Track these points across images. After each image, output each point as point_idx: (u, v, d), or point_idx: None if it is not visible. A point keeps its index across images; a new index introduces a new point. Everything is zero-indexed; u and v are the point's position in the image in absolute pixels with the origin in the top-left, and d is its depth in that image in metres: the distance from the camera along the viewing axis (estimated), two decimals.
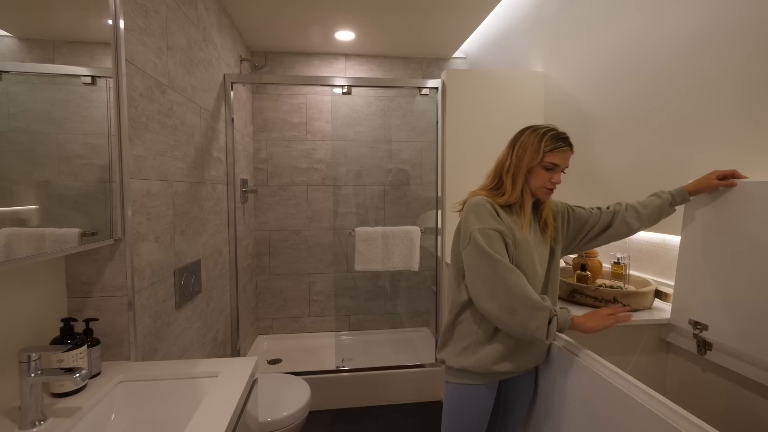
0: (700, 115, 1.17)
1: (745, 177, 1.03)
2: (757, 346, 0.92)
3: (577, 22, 1.70)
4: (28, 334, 0.89)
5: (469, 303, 1.04)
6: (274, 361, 2.52)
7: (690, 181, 1.13)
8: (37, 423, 0.76)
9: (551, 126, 1.07)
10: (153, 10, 1.25)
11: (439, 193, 2.13)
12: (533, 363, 1.08)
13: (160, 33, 1.30)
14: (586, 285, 1.25)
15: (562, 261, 1.62)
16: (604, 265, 1.43)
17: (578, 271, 1.33)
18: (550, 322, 0.91)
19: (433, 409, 2.18)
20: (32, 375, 0.75)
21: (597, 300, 1.22)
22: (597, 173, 1.62)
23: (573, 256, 1.48)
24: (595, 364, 0.89)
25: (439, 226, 2.14)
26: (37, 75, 0.80)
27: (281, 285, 2.83)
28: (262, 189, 2.76)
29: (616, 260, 1.35)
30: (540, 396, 1.13)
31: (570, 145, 1.05)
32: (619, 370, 0.83)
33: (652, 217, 1.14)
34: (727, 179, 1.05)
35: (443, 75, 2.05)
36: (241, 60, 2.42)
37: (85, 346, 0.92)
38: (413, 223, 2.85)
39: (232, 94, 2.08)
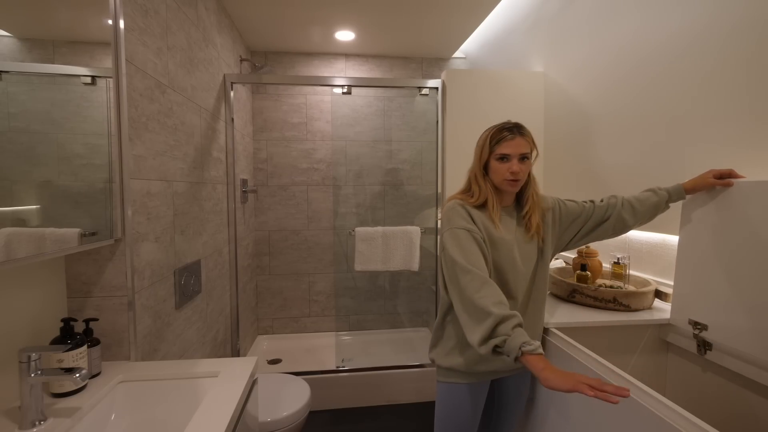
0: (701, 115, 1.17)
1: (742, 176, 1.02)
2: (758, 345, 0.92)
3: (577, 22, 1.70)
4: (28, 334, 0.89)
5: (451, 309, 1.06)
6: (274, 361, 2.52)
7: (687, 180, 1.12)
8: (37, 423, 0.76)
9: (505, 122, 1.09)
10: (153, 10, 1.25)
11: (439, 193, 2.13)
12: (518, 363, 0.96)
13: (160, 33, 1.30)
14: (586, 285, 1.25)
15: (562, 261, 1.62)
16: (604, 265, 1.43)
17: (578, 271, 1.33)
18: (494, 339, 0.83)
19: (433, 409, 2.18)
20: (32, 375, 0.75)
21: (597, 300, 1.22)
22: (597, 173, 1.62)
23: (573, 256, 1.48)
24: (595, 364, 0.89)
25: (439, 226, 2.14)
26: (37, 75, 0.80)
27: (281, 285, 2.83)
28: (262, 189, 2.76)
29: (616, 260, 1.35)
30: (539, 396, 1.13)
31: (518, 133, 1.04)
32: (619, 370, 0.83)
33: (647, 215, 1.12)
34: (724, 178, 1.04)
35: (443, 75, 2.05)
36: (241, 60, 2.42)
37: (85, 346, 0.92)
38: (413, 223, 2.86)
39: (232, 94, 2.08)
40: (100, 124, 0.97)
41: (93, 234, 0.94)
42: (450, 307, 1.07)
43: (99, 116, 0.97)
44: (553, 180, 1.98)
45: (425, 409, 2.18)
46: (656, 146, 1.33)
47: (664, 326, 1.18)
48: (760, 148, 1.01)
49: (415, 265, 2.41)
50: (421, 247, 2.52)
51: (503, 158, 1.03)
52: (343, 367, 2.24)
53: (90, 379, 0.95)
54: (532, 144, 1.07)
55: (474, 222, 1.02)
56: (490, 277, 0.97)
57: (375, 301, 2.89)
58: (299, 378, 1.81)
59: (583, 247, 1.42)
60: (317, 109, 2.79)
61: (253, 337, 2.72)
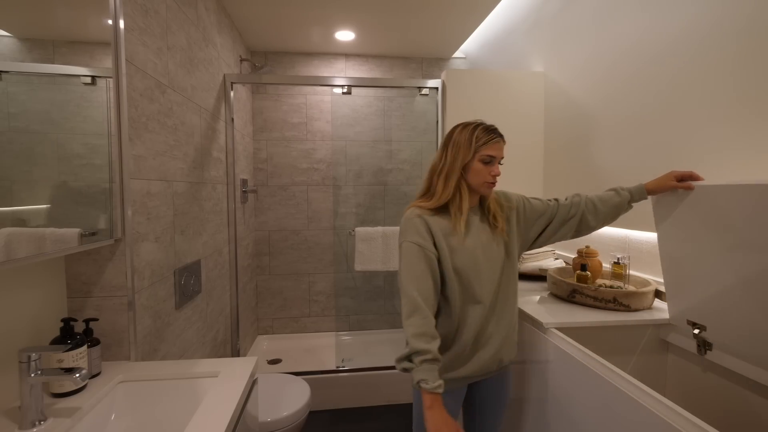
0: (702, 115, 1.17)
1: (701, 179, 1.01)
2: (757, 345, 0.92)
3: (577, 22, 1.70)
4: (28, 334, 0.89)
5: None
6: (274, 361, 2.52)
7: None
8: (37, 423, 0.76)
9: (480, 120, 1.04)
10: (153, 10, 1.25)
11: None
12: (492, 367, 1.04)
13: (160, 33, 1.30)
14: (586, 285, 1.25)
15: (562, 261, 1.62)
16: (604, 265, 1.43)
17: (578, 271, 1.33)
18: (405, 363, 0.92)
19: None
20: (32, 375, 0.75)
21: (597, 300, 1.22)
22: (597, 173, 1.62)
23: (573, 256, 1.48)
24: (595, 364, 0.89)
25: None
26: (37, 75, 0.80)
27: (281, 285, 2.83)
28: (262, 189, 2.76)
29: (616, 260, 1.35)
30: (538, 396, 1.13)
31: (501, 136, 1.02)
32: (618, 370, 0.83)
33: (609, 215, 1.12)
34: (684, 181, 1.03)
35: (443, 75, 2.05)
36: (241, 60, 2.42)
37: (85, 346, 0.92)
38: None
39: (232, 94, 2.08)
40: (100, 124, 0.97)
41: (93, 234, 0.94)
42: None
43: (99, 116, 0.97)
44: (553, 180, 1.98)
45: None
46: (656, 146, 1.33)
47: (664, 326, 1.18)
48: (764, 147, 1.01)
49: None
50: None
51: (488, 161, 1.00)
52: (343, 367, 2.24)
53: (90, 379, 0.95)
54: None
55: (432, 233, 1.00)
56: (451, 283, 0.99)
57: (375, 301, 2.89)
58: (299, 378, 1.81)
59: (583, 247, 1.42)
60: (317, 109, 2.79)
61: (253, 337, 2.72)
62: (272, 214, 2.78)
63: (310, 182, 2.81)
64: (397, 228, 2.38)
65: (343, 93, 2.68)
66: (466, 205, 1.01)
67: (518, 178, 2.06)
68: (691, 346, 1.09)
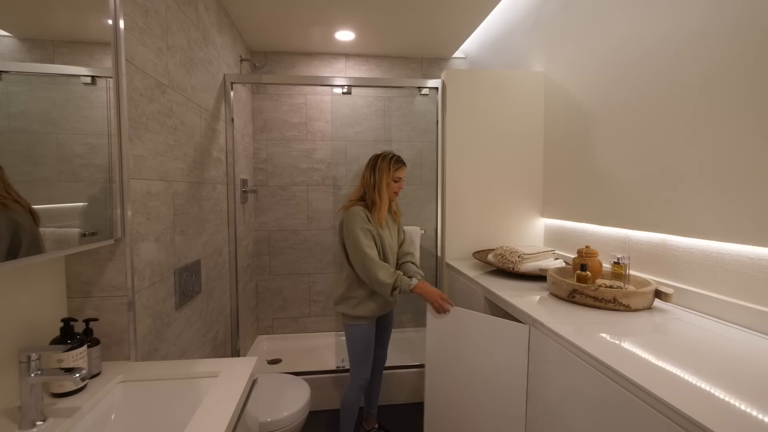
0: (702, 115, 1.17)
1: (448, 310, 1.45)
2: None
3: (577, 22, 1.70)
4: (28, 334, 0.89)
5: (352, 275, 1.63)
6: (274, 361, 2.52)
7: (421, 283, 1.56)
8: (37, 423, 0.76)
9: (392, 152, 1.67)
10: (153, 10, 1.25)
11: (439, 193, 2.13)
12: (388, 309, 1.77)
13: (160, 33, 1.30)
14: (586, 285, 1.25)
15: (562, 261, 1.63)
16: (604, 265, 1.43)
17: (578, 271, 1.33)
18: (394, 289, 1.52)
19: None
20: (32, 375, 0.75)
21: (597, 300, 1.22)
22: (597, 173, 1.62)
23: (573, 256, 1.48)
24: (594, 363, 0.89)
25: (440, 226, 2.14)
26: (37, 75, 0.80)
27: (281, 285, 2.83)
28: (262, 189, 2.76)
29: (616, 260, 1.35)
30: (537, 397, 1.13)
31: (405, 164, 1.68)
32: (618, 368, 0.83)
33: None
34: (438, 311, 1.48)
35: (443, 75, 2.05)
36: (241, 60, 2.42)
37: (85, 346, 0.92)
38: (413, 223, 2.85)
39: (232, 94, 2.08)
40: (100, 124, 0.97)
41: (93, 234, 0.94)
42: (353, 276, 1.63)
43: (99, 116, 0.97)
44: (552, 180, 1.98)
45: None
46: (657, 146, 1.33)
47: None
48: (761, 148, 1.01)
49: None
50: (422, 247, 2.52)
51: (399, 180, 1.66)
52: (343, 367, 2.24)
53: (90, 379, 0.95)
54: None
55: (370, 222, 1.60)
56: (379, 254, 1.61)
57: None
58: (299, 378, 1.81)
59: (583, 247, 1.42)
60: (317, 109, 2.79)
61: (253, 337, 2.72)
62: (272, 214, 2.78)
63: (310, 182, 2.81)
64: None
65: (343, 93, 2.68)
66: (385, 206, 1.64)
67: (518, 177, 2.06)
68: None
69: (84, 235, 0.91)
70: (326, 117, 2.80)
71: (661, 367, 0.81)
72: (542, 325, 1.11)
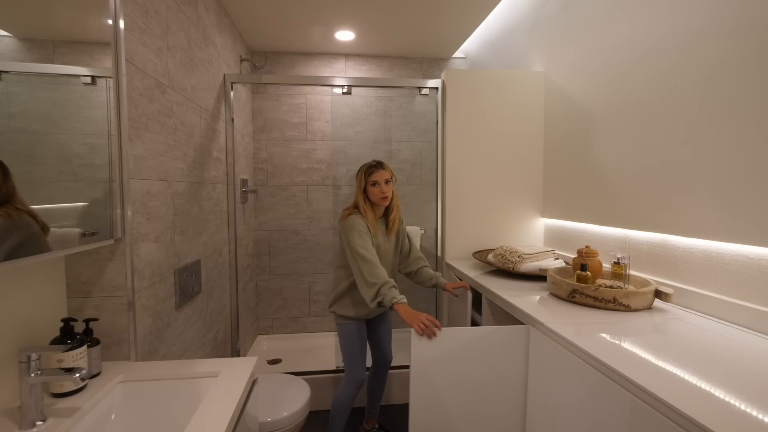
0: (702, 114, 1.17)
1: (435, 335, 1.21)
2: None
3: (577, 22, 1.70)
4: (28, 334, 0.89)
5: (346, 278, 1.66)
6: (274, 361, 2.52)
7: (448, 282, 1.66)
8: (37, 423, 0.76)
9: (370, 162, 1.66)
10: (153, 10, 1.25)
11: (439, 193, 2.13)
12: (377, 312, 1.78)
13: (160, 33, 1.30)
14: (586, 285, 1.25)
15: (562, 261, 1.63)
16: (604, 265, 1.43)
17: (578, 271, 1.33)
18: (377, 296, 1.43)
19: None
20: (32, 375, 0.75)
21: (597, 300, 1.22)
22: (597, 172, 1.62)
23: (573, 256, 1.48)
24: (594, 362, 0.89)
25: (440, 226, 2.14)
26: (37, 75, 0.80)
27: (281, 285, 2.83)
28: (262, 189, 2.76)
29: (616, 260, 1.35)
30: (537, 397, 1.13)
31: (380, 167, 1.63)
32: (617, 368, 0.83)
33: (420, 283, 1.79)
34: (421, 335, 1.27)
35: (443, 75, 2.05)
36: (241, 60, 2.42)
37: (85, 346, 0.92)
38: (413, 223, 2.85)
39: (232, 94, 2.08)
40: (100, 124, 0.97)
41: (93, 234, 0.94)
42: (346, 280, 1.66)
43: (99, 116, 0.97)
44: (552, 180, 1.98)
45: None
46: (656, 146, 1.33)
47: None
48: (759, 147, 1.01)
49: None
50: (422, 247, 2.52)
51: (374, 184, 1.61)
52: (343, 367, 2.24)
53: (90, 379, 0.95)
54: (391, 172, 1.65)
55: (367, 227, 1.60)
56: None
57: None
58: (299, 378, 1.81)
59: (583, 247, 1.42)
60: (317, 109, 2.79)
61: (253, 337, 2.72)
62: (272, 214, 2.78)
63: (310, 182, 2.81)
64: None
65: (343, 93, 2.68)
66: (369, 211, 1.63)
67: (518, 177, 2.06)
68: None
69: (84, 235, 0.91)
70: (326, 117, 2.80)
71: (661, 367, 0.81)
72: (542, 325, 1.11)
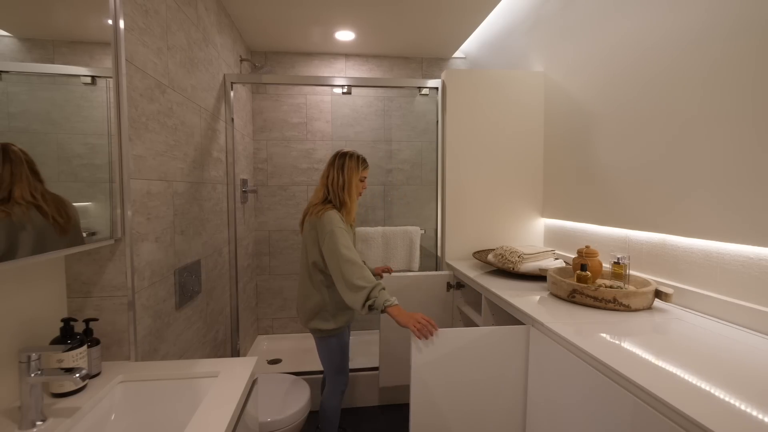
0: (702, 114, 1.17)
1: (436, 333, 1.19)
2: None
3: (577, 22, 1.70)
4: (28, 334, 0.89)
5: (322, 287, 1.53)
6: (274, 361, 2.52)
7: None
8: (37, 423, 0.76)
9: (356, 152, 1.58)
10: (153, 10, 1.25)
11: (439, 193, 2.13)
12: (357, 316, 1.77)
13: (160, 33, 1.30)
14: (586, 285, 1.25)
15: (562, 261, 1.63)
16: (604, 265, 1.43)
17: (578, 271, 1.33)
18: (368, 300, 1.32)
19: None
20: (32, 375, 0.75)
21: (597, 300, 1.22)
22: (597, 172, 1.62)
23: (573, 256, 1.48)
24: (593, 362, 0.89)
25: (440, 226, 2.14)
26: (37, 75, 0.80)
27: (281, 285, 2.83)
28: (262, 189, 2.76)
29: (616, 260, 1.35)
30: (537, 398, 1.13)
31: (368, 165, 1.61)
32: (617, 367, 0.83)
33: None
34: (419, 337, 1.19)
35: (443, 75, 2.05)
36: (241, 60, 2.42)
37: (85, 346, 0.92)
38: (413, 223, 2.85)
39: (232, 94, 2.08)
40: (100, 124, 0.97)
41: (93, 234, 0.94)
42: (322, 289, 1.53)
43: (99, 116, 0.97)
44: (552, 180, 1.98)
45: None
46: (656, 146, 1.33)
47: None
48: (758, 146, 1.01)
49: (416, 265, 2.41)
50: (422, 247, 2.52)
51: (364, 179, 1.59)
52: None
53: (90, 379, 0.95)
54: None
55: (344, 222, 1.50)
56: None
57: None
58: (299, 378, 1.81)
59: (583, 247, 1.42)
60: (317, 109, 2.79)
61: (253, 337, 2.72)
62: (272, 214, 2.78)
63: (310, 182, 2.81)
64: (398, 228, 2.40)
65: (343, 93, 2.68)
66: (355, 206, 1.56)
67: (518, 177, 2.06)
68: None
69: (84, 235, 0.91)
70: (326, 117, 2.80)
71: (661, 367, 0.81)
72: (542, 325, 1.11)
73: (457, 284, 1.92)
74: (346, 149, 1.59)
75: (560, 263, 1.62)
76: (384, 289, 1.35)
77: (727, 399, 0.69)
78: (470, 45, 2.65)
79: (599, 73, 1.60)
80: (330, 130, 2.80)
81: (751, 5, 1.02)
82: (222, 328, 1.97)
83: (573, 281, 1.31)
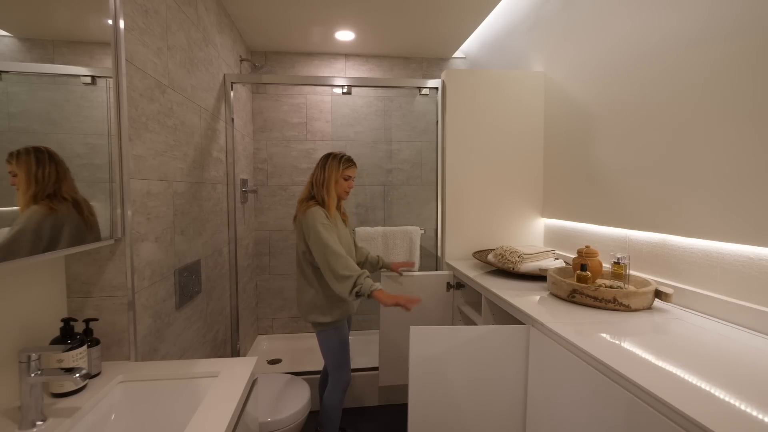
0: (702, 114, 1.17)
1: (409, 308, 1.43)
2: None
3: (577, 22, 1.70)
4: (28, 334, 0.89)
5: (314, 281, 1.60)
6: (274, 361, 2.52)
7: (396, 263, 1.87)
8: (37, 423, 0.76)
9: (343, 153, 1.66)
10: (153, 10, 1.25)
11: (439, 193, 2.13)
12: (356, 307, 1.77)
13: (160, 33, 1.30)
14: (586, 285, 1.25)
15: (562, 261, 1.63)
16: (604, 265, 1.43)
17: (578, 271, 1.33)
18: (354, 287, 1.43)
19: None
20: (32, 375, 0.75)
21: (597, 300, 1.22)
22: (597, 173, 1.62)
23: (573, 256, 1.48)
24: (594, 362, 0.89)
25: (440, 226, 2.14)
26: (37, 75, 0.80)
27: (281, 285, 2.83)
28: (262, 189, 2.76)
29: (616, 260, 1.35)
30: (537, 397, 1.13)
31: (355, 164, 1.67)
32: (617, 367, 0.83)
33: (370, 269, 1.82)
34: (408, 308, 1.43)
35: (443, 75, 2.05)
36: (241, 60, 2.42)
37: (85, 346, 0.92)
38: (413, 223, 2.85)
39: (232, 94, 2.08)
40: (100, 124, 0.97)
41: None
42: (314, 283, 1.61)
43: (99, 116, 0.97)
44: (552, 180, 1.98)
45: None
46: (656, 146, 1.33)
47: None
48: (757, 145, 1.01)
49: (416, 265, 2.41)
50: (422, 247, 2.52)
51: (348, 178, 1.65)
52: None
53: (90, 379, 0.95)
54: None
55: (329, 219, 1.57)
56: None
57: (374, 301, 2.89)
58: (299, 378, 1.81)
59: (583, 247, 1.42)
60: (317, 109, 2.79)
61: (253, 337, 2.72)
62: (272, 214, 2.78)
63: None
64: (398, 228, 2.40)
65: (343, 93, 2.68)
66: (333, 202, 1.62)
67: (518, 177, 2.06)
68: None
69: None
70: (326, 117, 2.80)
71: (661, 367, 0.81)
72: (542, 325, 1.11)
73: (457, 284, 1.92)
74: (335, 151, 1.68)
75: (560, 263, 1.62)
76: (369, 276, 1.47)
77: (726, 399, 0.69)
78: (470, 45, 2.65)
79: (599, 73, 1.60)
80: (330, 130, 2.80)
81: (751, 5, 1.02)
82: (222, 328, 1.97)
83: (573, 281, 1.31)
